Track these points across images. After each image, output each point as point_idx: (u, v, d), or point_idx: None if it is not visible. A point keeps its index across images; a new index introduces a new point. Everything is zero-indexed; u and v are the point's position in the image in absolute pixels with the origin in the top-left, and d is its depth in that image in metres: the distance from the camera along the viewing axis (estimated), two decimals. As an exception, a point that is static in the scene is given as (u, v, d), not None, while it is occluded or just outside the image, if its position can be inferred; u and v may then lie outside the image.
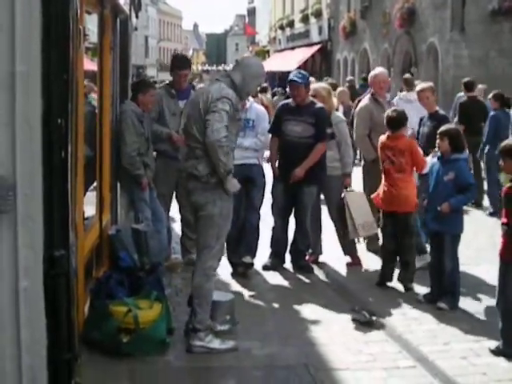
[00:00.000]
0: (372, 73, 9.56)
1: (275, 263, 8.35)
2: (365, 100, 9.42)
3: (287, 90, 8.66)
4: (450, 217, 6.79)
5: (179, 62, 8.54)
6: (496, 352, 5.78)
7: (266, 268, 8.29)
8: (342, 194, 8.35)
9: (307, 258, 8.55)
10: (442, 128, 6.99)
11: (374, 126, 8.78)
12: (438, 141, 6.93)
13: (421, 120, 9.05)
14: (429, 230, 7.11)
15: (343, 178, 8.49)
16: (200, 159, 5.75)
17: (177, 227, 9.79)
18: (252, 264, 8.11)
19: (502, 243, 5.90)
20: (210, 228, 5.81)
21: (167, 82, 9.33)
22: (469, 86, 13.54)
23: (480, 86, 14.57)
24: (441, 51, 24.84)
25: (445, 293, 6.89)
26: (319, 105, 8.22)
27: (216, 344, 5.79)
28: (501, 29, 21.20)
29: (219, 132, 5.57)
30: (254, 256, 8.13)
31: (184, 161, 6.02)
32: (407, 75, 15.63)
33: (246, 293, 7.40)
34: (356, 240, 8.58)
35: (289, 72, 9.16)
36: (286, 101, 8.73)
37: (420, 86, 9.40)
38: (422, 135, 8.86)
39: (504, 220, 5.86)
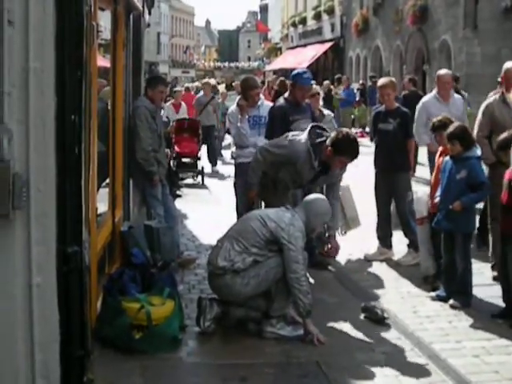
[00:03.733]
0: (504, 67, 8.26)
1: None
2: (490, 98, 8.26)
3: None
4: (461, 216, 6.74)
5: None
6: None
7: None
8: None
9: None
10: (448, 131, 6.79)
11: (494, 127, 7.66)
12: (448, 146, 6.85)
13: (376, 116, 8.71)
14: (441, 228, 7.06)
15: None
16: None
17: (190, 224, 9.81)
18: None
19: None
20: (265, 283, 5.93)
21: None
22: None
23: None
24: (453, 49, 24.76)
25: (457, 291, 6.87)
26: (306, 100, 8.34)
27: (286, 331, 5.96)
28: (513, 27, 21.13)
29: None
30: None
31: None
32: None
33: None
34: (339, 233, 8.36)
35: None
36: (282, 102, 8.20)
37: (381, 81, 8.80)
38: (383, 133, 8.52)
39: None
